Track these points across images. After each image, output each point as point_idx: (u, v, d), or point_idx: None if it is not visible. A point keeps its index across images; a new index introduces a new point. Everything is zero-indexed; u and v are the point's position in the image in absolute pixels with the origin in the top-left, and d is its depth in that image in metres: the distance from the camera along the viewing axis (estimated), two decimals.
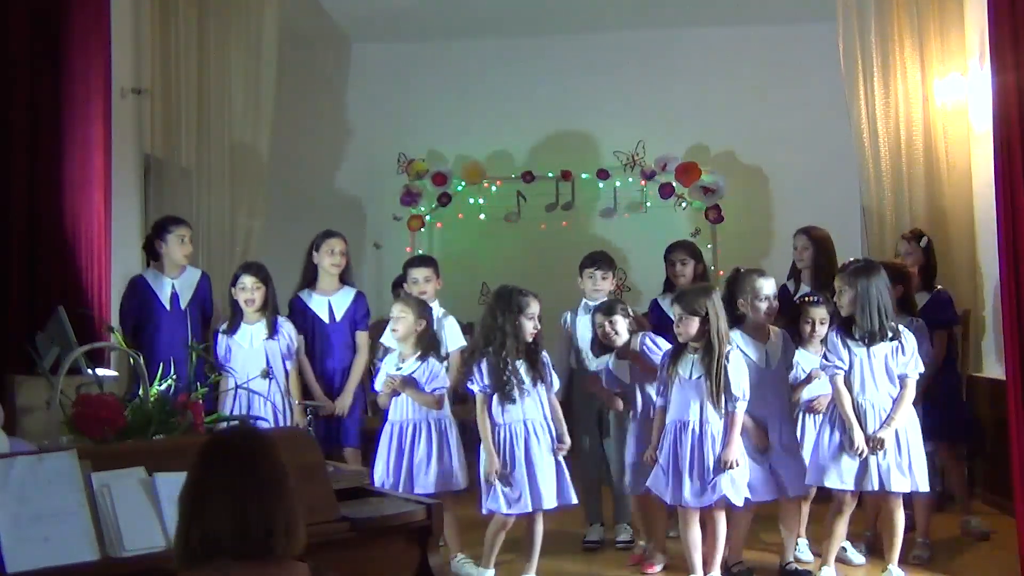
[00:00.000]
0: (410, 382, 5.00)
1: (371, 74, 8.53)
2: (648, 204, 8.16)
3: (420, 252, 7.59)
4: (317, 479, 3.11)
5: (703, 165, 7.97)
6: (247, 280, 5.53)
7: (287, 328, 5.61)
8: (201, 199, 6.75)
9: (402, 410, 5.05)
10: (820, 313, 5.01)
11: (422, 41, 8.36)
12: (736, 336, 4.85)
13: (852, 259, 4.92)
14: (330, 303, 5.81)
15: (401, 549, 3.17)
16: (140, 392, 3.30)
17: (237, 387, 5.14)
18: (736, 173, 8.10)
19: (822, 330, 4.97)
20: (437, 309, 5.52)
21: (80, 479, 2.74)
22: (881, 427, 4.53)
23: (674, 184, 8.00)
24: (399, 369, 5.06)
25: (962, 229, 6.32)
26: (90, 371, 3.71)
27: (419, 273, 5.73)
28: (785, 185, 8.09)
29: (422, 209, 8.17)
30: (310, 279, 5.85)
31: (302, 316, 5.77)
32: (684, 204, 8.05)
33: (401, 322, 5.05)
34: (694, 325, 4.66)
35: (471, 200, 8.26)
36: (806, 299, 5.13)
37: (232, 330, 5.55)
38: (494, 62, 8.40)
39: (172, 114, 6.61)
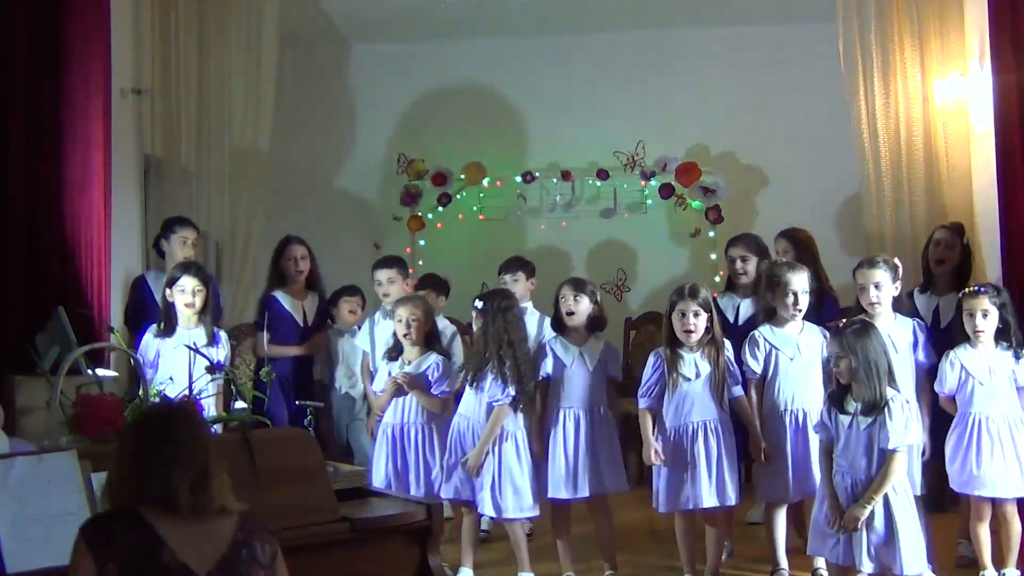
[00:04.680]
0: (419, 382, 5.00)
1: (371, 74, 8.52)
2: (648, 204, 8.16)
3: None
4: (317, 479, 3.12)
5: (703, 165, 7.96)
6: (188, 282, 5.10)
7: (225, 340, 5.28)
8: (201, 199, 6.76)
9: (402, 412, 5.03)
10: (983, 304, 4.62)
11: (422, 41, 8.35)
12: (766, 330, 4.82)
13: (845, 320, 4.47)
14: (304, 308, 5.85)
15: (401, 549, 3.17)
16: (140, 392, 3.31)
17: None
18: (736, 173, 8.09)
19: (984, 323, 4.59)
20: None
21: (80, 479, 2.74)
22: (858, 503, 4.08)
23: (674, 184, 8.00)
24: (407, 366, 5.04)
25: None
26: (90, 371, 3.71)
27: (382, 275, 5.62)
28: (785, 185, 8.07)
29: (422, 209, 8.18)
30: (279, 280, 5.87)
31: (279, 317, 5.72)
32: (684, 204, 8.05)
33: (416, 325, 4.97)
34: (704, 321, 4.65)
35: (471, 200, 8.26)
36: (966, 291, 4.74)
37: (166, 333, 5.11)
38: (494, 62, 8.39)
39: (172, 114, 6.62)
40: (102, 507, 2.51)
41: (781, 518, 4.82)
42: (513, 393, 4.72)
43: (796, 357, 4.77)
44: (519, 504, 4.77)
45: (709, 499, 4.62)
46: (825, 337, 4.78)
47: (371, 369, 5.59)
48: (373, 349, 5.59)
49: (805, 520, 4.87)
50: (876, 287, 4.80)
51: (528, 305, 5.60)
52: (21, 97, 4.92)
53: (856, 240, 7.25)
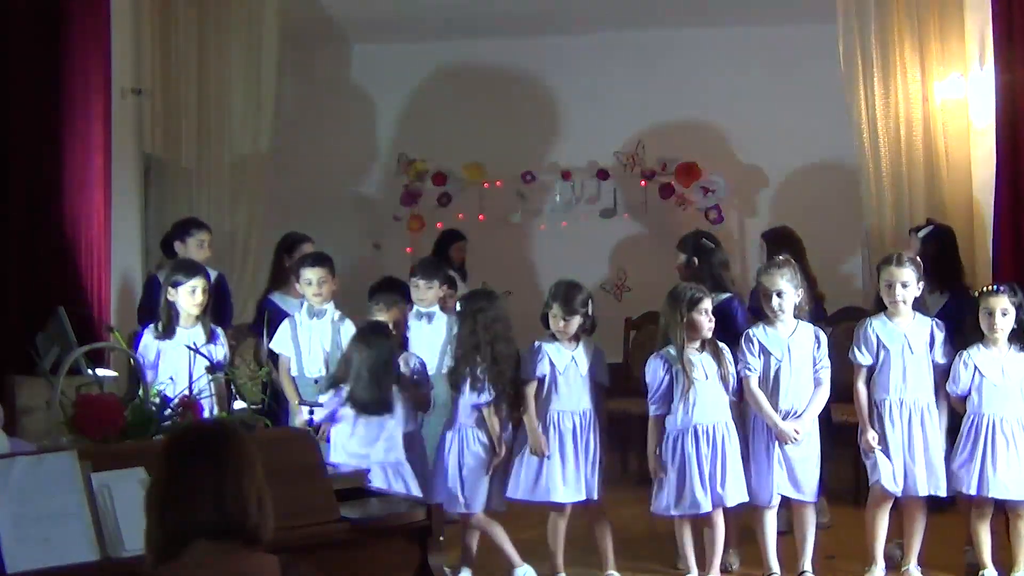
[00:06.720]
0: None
1: (371, 74, 8.53)
2: (648, 204, 8.17)
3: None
4: (317, 479, 3.12)
5: (703, 165, 7.97)
6: (199, 283, 4.99)
7: (224, 338, 5.10)
8: (201, 199, 6.76)
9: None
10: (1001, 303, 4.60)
11: (422, 41, 8.36)
12: (759, 330, 4.79)
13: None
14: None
15: (401, 549, 3.17)
16: (140, 392, 3.31)
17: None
18: (736, 173, 8.10)
19: (1003, 322, 4.59)
20: (332, 312, 5.29)
21: (80, 479, 2.74)
22: None
23: (674, 184, 8.00)
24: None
25: (962, 228, 6.28)
26: (90, 371, 3.72)
27: (313, 274, 5.25)
28: (785, 185, 8.08)
29: (422, 209, 8.18)
30: (280, 280, 5.82)
31: (279, 320, 5.43)
32: (684, 204, 8.05)
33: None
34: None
35: (471, 200, 8.26)
36: (984, 290, 4.75)
37: (166, 334, 4.95)
38: (494, 62, 8.40)
39: (172, 114, 6.62)
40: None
41: (770, 520, 4.80)
42: (490, 396, 4.70)
43: (784, 358, 4.74)
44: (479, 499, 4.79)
45: (709, 502, 4.63)
46: (817, 339, 4.79)
47: (292, 373, 5.33)
48: (299, 352, 5.30)
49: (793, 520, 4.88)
50: (903, 285, 4.73)
51: (435, 310, 5.48)
52: (21, 97, 4.92)
53: (856, 239, 7.27)
